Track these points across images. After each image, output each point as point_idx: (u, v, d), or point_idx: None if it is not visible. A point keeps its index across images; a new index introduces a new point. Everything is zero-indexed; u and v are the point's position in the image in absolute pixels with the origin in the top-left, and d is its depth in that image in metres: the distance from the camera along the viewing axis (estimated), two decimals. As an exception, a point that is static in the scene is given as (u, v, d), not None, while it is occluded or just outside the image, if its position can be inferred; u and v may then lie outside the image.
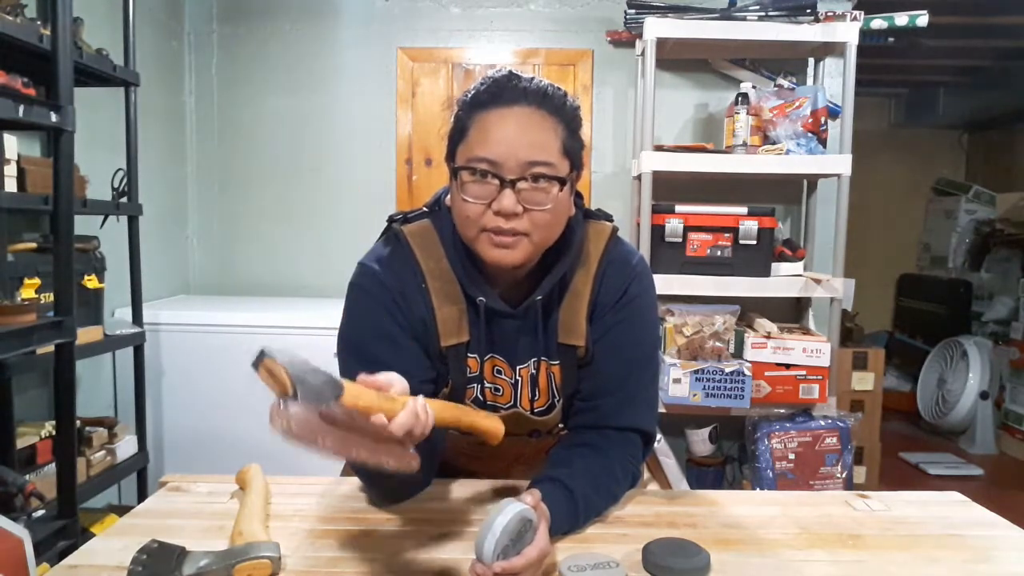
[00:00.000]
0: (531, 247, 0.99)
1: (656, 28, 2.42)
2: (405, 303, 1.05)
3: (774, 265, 2.51)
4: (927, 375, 4.51)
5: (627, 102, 2.91)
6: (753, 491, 2.46)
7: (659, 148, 2.54)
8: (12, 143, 1.63)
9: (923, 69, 4.51)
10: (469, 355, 1.08)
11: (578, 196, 1.08)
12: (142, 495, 2.20)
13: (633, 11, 2.60)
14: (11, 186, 1.62)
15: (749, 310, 2.64)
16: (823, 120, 2.50)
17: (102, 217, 2.10)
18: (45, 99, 1.57)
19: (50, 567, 0.89)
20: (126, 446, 2.12)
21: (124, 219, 2.15)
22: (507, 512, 0.79)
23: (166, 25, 2.83)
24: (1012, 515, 1.08)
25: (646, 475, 1.31)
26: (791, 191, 2.84)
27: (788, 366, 2.40)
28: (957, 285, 4.83)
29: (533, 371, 1.10)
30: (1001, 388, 4.16)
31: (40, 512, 1.56)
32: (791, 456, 2.46)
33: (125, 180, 2.11)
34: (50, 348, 1.60)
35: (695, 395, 2.34)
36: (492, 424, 0.99)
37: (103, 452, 2.02)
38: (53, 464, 1.70)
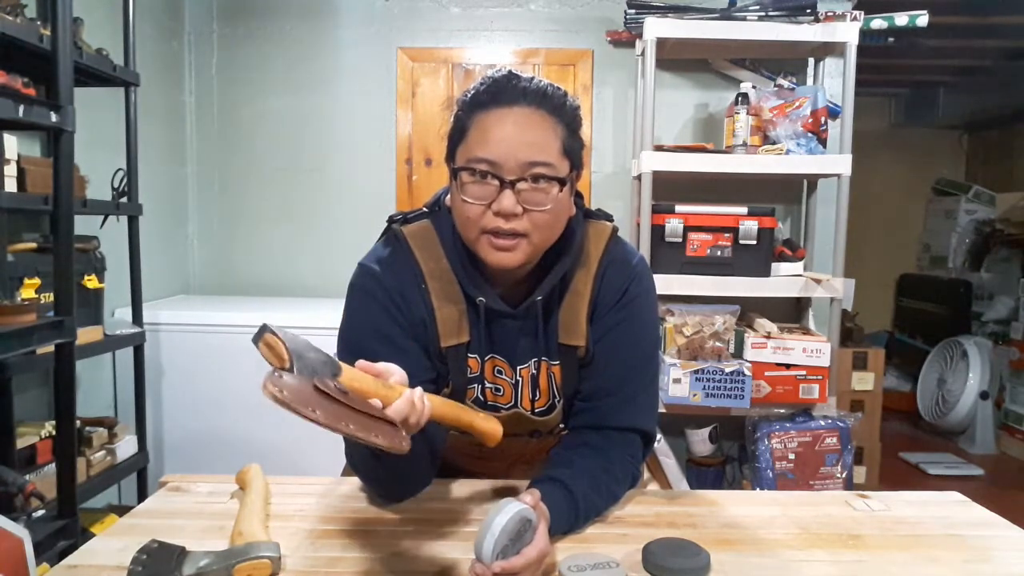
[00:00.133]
0: (531, 248, 0.99)
1: (656, 28, 2.42)
2: (405, 304, 1.05)
3: (774, 265, 2.51)
4: (927, 375, 4.51)
5: (627, 102, 2.91)
6: (753, 491, 2.46)
7: (659, 148, 2.54)
8: (12, 143, 1.63)
9: (923, 69, 4.51)
10: (469, 355, 1.08)
11: (578, 196, 1.08)
12: (142, 495, 2.19)
13: (633, 11, 2.60)
14: (11, 186, 1.62)
15: (749, 310, 2.64)
16: (823, 120, 2.50)
17: (102, 217, 2.10)
18: (45, 99, 1.57)
19: (50, 567, 0.89)
20: (126, 446, 2.12)
21: (124, 219, 2.15)
22: (506, 512, 0.79)
23: (166, 25, 2.82)
24: (1012, 515, 1.08)
25: (646, 475, 1.31)
26: (791, 191, 2.85)
27: (788, 366, 2.40)
28: (957, 285, 4.83)
29: (534, 371, 1.10)
30: (1001, 388, 4.15)
31: (40, 512, 1.56)
32: (791, 456, 2.46)
33: (125, 180, 2.11)
34: (50, 348, 1.59)
35: (695, 395, 2.34)
36: (490, 426, 0.99)
37: (103, 452, 2.02)
38: (53, 464, 1.70)
